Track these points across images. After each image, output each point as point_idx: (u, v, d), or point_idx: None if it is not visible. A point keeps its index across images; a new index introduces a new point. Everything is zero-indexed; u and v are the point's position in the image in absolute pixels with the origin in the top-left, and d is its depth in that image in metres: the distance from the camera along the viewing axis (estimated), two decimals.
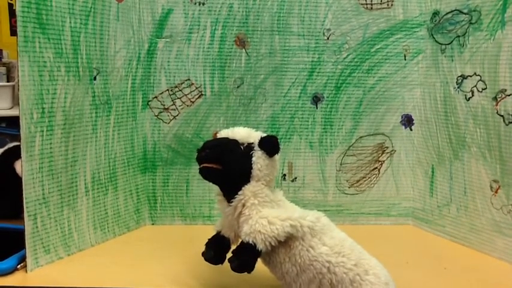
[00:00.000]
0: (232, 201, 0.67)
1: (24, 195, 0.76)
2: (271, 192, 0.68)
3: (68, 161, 0.83)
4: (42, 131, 0.78)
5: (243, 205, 0.67)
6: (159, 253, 0.86)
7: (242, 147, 0.68)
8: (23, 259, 0.77)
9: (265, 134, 0.69)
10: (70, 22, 0.81)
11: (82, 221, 0.86)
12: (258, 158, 0.67)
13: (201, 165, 0.68)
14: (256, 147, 0.67)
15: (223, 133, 0.70)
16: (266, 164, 0.67)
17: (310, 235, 0.65)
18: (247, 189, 0.67)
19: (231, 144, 0.68)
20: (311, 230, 0.65)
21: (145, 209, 1.00)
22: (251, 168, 0.67)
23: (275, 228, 0.64)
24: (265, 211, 0.66)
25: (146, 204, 1.00)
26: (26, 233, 0.76)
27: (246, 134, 0.69)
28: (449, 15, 0.94)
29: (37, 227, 0.78)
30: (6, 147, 1.04)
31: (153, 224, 1.00)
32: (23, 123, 0.75)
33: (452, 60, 0.94)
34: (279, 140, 0.69)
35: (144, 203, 0.99)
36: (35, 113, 0.76)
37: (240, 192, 0.67)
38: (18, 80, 0.76)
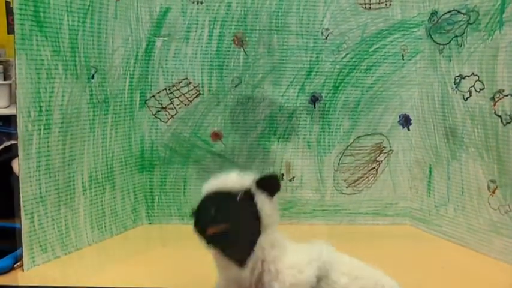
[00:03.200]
0: (246, 263, 0.58)
1: (21, 194, 0.75)
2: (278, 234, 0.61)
3: (65, 160, 0.82)
4: (40, 130, 0.77)
5: (262, 262, 0.59)
6: (156, 252, 0.86)
7: (238, 197, 0.58)
8: (19, 258, 0.77)
9: (254, 175, 0.60)
10: (68, 20, 0.81)
11: (79, 220, 0.86)
12: (263, 204, 0.58)
13: (208, 233, 0.58)
14: (257, 192, 0.58)
15: (212, 185, 0.60)
16: (272, 208, 0.59)
17: (330, 269, 0.60)
18: (264, 242, 0.58)
19: (227, 196, 0.58)
20: (329, 264, 0.60)
21: (143, 208, 0.99)
22: (259, 217, 0.58)
23: (306, 275, 0.58)
24: (287, 260, 0.59)
25: (143, 204, 0.99)
26: (22, 231, 0.76)
27: (238, 180, 0.59)
28: (448, 15, 0.94)
29: (34, 226, 0.78)
30: (3, 146, 1.03)
31: (150, 224, 1.00)
32: (20, 121, 0.75)
33: (450, 60, 0.94)
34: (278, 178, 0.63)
35: (141, 202, 0.99)
36: (32, 112, 0.76)
37: (255, 248, 0.58)
38: (15, 79, 0.75)
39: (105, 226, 0.91)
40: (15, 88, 0.74)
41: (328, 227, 1.02)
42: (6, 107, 1.68)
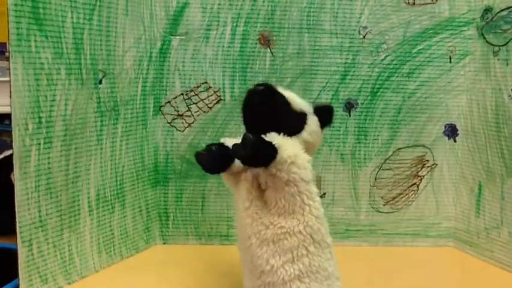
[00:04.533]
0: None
1: (17, 219, 0.66)
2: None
3: (69, 177, 0.72)
4: (39, 144, 0.67)
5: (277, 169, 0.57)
6: (171, 277, 0.77)
7: (294, 110, 0.61)
8: None
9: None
10: (72, 17, 0.70)
11: (85, 244, 0.76)
12: (313, 122, 0.61)
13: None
14: (311, 114, 0.61)
15: (283, 92, 0.61)
16: (317, 132, 0.61)
17: None
18: (286, 151, 0.56)
19: (287, 103, 0.60)
20: None
21: (156, 227, 0.90)
22: (302, 129, 0.60)
23: None
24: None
25: (157, 222, 0.89)
26: (19, 260, 0.67)
27: (302, 103, 0.62)
28: (505, 13, 0.83)
29: (32, 254, 0.68)
30: (2, 156, 0.94)
31: (164, 244, 0.90)
32: (16, 135, 0.65)
33: (507, 64, 0.83)
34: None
35: (154, 221, 0.89)
36: (30, 123, 0.66)
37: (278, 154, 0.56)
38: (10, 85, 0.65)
39: (114, 249, 0.81)
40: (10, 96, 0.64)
41: (363, 249, 0.91)
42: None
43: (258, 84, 0.60)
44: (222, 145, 0.61)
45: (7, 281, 0.70)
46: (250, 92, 0.60)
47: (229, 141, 0.61)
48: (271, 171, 0.56)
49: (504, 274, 0.83)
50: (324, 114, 0.63)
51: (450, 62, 0.89)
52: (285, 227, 0.56)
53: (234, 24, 0.86)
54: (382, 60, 0.89)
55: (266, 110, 0.59)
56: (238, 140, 0.58)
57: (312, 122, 0.61)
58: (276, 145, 0.55)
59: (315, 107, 0.62)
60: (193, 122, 0.88)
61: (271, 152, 0.55)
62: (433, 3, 0.88)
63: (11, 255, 0.69)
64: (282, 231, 0.56)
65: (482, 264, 0.87)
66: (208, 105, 0.88)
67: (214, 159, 0.59)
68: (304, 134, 0.60)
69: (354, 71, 0.89)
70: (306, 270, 0.57)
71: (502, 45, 0.83)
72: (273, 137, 0.56)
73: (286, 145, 0.56)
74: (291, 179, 0.56)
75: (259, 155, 0.55)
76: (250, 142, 0.54)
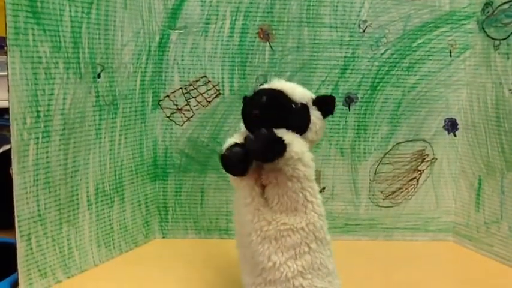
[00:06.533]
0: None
1: (16, 213, 0.66)
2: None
3: (68, 171, 0.72)
4: (37, 138, 0.67)
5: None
6: (170, 271, 0.77)
7: (295, 106, 0.59)
8: (15, 284, 0.68)
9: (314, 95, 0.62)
10: (70, 11, 0.70)
11: (84, 238, 0.76)
12: (316, 119, 0.60)
13: (254, 113, 0.59)
14: (312, 107, 0.60)
15: (276, 85, 0.61)
16: (321, 127, 0.61)
17: None
18: (296, 150, 0.56)
19: (287, 100, 0.59)
20: None
21: (155, 222, 0.90)
22: (307, 129, 0.60)
23: None
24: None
25: (156, 216, 0.89)
26: (18, 255, 0.67)
27: (302, 94, 0.61)
28: (506, 6, 0.82)
29: (31, 248, 0.68)
30: (1, 150, 0.94)
31: (163, 238, 0.90)
32: (14, 129, 0.64)
33: (508, 58, 0.82)
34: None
35: (154, 215, 0.89)
36: (28, 117, 0.66)
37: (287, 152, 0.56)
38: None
39: (113, 243, 0.81)
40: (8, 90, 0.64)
41: (362, 243, 0.91)
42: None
43: (260, 92, 0.59)
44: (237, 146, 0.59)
45: (6, 275, 0.70)
46: (254, 102, 0.59)
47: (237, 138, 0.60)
48: (277, 165, 0.56)
49: (503, 268, 0.83)
50: (325, 104, 0.62)
51: (450, 56, 0.89)
52: (287, 223, 0.56)
53: (233, 18, 0.86)
54: (382, 54, 0.88)
55: (271, 118, 0.58)
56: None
57: (315, 117, 0.60)
58: (286, 142, 0.55)
59: (316, 97, 0.62)
60: (192, 116, 0.88)
61: (281, 148, 0.55)
62: None
63: (10, 250, 0.69)
64: (285, 228, 0.56)
65: (481, 258, 0.87)
66: (208, 100, 0.88)
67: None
68: (309, 134, 0.60)
69: (354, 65, 0.88)
70: (309, 267, 0.57)
71: (503, 39, 0.83)
72: (282, 133, 0.56)
73: (294, 142, 0.56)
74: (295, 174, 0.56)
75: (270, 150, 0.55)
76: (264, 137, 0.54)
